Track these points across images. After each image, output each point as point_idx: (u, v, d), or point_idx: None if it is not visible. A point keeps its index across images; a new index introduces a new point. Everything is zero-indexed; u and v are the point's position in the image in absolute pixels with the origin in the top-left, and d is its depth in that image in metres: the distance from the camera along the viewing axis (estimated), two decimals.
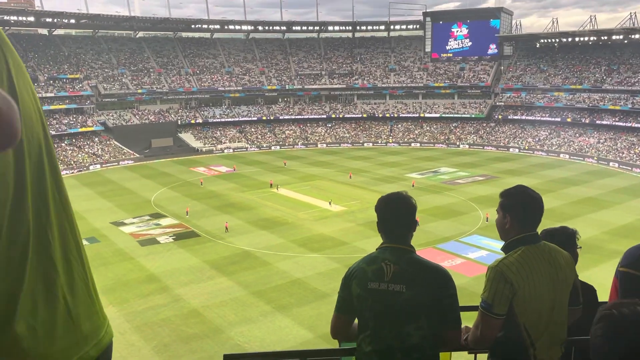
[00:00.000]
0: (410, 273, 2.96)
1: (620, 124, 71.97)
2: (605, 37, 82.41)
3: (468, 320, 3.28)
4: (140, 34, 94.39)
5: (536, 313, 2.93)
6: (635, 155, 65.13)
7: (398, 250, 3.04)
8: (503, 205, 3.25)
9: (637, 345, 1.60)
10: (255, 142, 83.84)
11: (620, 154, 66.75)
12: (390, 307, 2.97)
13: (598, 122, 74.19)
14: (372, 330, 3.04)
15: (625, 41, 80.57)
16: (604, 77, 77.66)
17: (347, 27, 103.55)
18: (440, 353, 3.12)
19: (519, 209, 3.17)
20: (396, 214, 3.07)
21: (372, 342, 3.04)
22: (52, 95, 74.22)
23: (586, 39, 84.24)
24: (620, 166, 63.26)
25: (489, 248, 34.84)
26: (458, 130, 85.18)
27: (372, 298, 3.01)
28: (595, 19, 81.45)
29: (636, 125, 70.02)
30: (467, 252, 33.36)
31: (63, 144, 71.58)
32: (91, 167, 67.00)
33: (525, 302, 2.91)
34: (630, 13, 77.24)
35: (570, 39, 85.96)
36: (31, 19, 78.40)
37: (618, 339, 1.65)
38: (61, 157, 68.24)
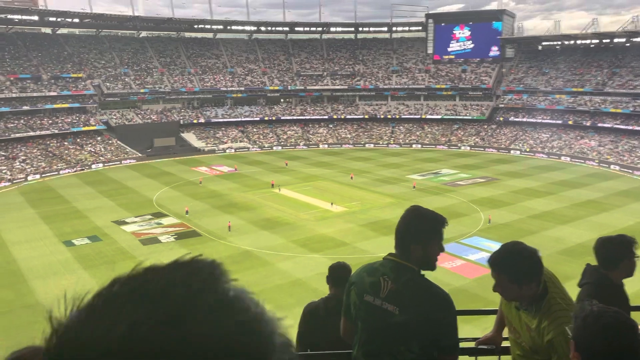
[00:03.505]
0: (406, 296, 2.84)
1: (622, 126, 71.97)
2: (608, 40, 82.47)
3: (468, 321, 3.37)
4: (144, 33, 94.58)
5: None
6: (636, 158, 65.12)
7: (400, 267, 2.93)
8: None
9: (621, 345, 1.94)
10: (257, 142, 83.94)
11: (622, 157, 66.76)
12: (381, 325, 2.89)
13: (599, 124, 74.18)
14: (364, 342, 3.01)
15: (627, 44, 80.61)
16: (606, 80, 77.67)
17: (349, 28, 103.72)
18: None
19: None
20: (406, 226, 2.95)
21: (365, 354, 3.02)
22: (55, 94, 74.42)
23: (588, 41, 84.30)
24: (622, 169, 63.28)
25: (490, 250, 34.85)
26: (459, 132, 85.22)
27: (365, 310, 2.97)
28: (598, 21, 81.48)
29: (637, 128, 70.01)
30: (467, 254, 33.41)
31: (65, 143, 71.75)
32: (93, 166, 67.16)
33: None
34: (633, 16, 77.43)
35: (572, 42, 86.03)
36: (35, 18, 78.63)
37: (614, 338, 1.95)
38: (63, 156, 68.43)
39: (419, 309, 2.82)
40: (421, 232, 2.92)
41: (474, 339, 4.03)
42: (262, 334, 0.65)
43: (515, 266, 3.03)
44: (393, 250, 3.05)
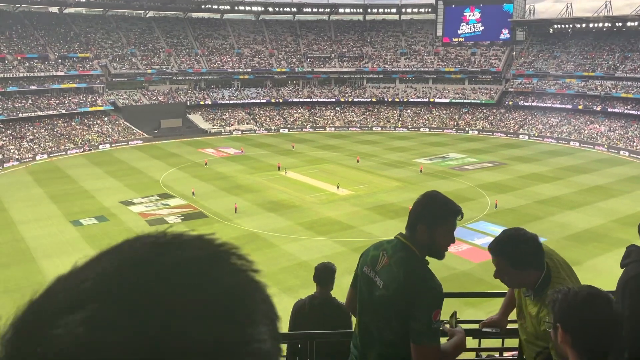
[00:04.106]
0: (394, 273, 2.88)
1: (632, 112, 71.16)
2: (620, 24, 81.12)
3: (472, 304, 3.35)
4: (150, 13, 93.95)
5: None
6: None
7: (401, 245, 2.96)
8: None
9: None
10: (264, 124, 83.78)
11: (631, 143, 66.12)
12: (371, 297, 2.99)
13: (610, 109, 73.38)
14: (359, 313, 3.12)
15: None
16: (617, 65, 76.61)
17: (358, 10, 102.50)
18: None
19: None
20: (418, 207, 2.97)
21: (358, 325, 3.14)
22: (63, 74, 74.38)
23: (600, 25, 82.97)
24: (631, 155, 62.71)
25: (496, 235, 34.80)
26: (468, 116, 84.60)
27: (363, 281, 3.08)
28: (611, 4, 79.79)
29: None
30: (473, 238, 33.41)
31: (73, 123, 71.95)
32: (101, 147, 67.37)
33: None
34: None
35: (584, 25, 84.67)
36: None
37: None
38: (71, 136, 68.67)
39: (400, 288, 2.84)
40: (430, 215, 2.91)
41: (478, 321, 4.03)
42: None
43: (514, 251, 3.03)
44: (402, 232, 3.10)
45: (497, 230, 37.96)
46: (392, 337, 2.91)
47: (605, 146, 66.86)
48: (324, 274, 5.50)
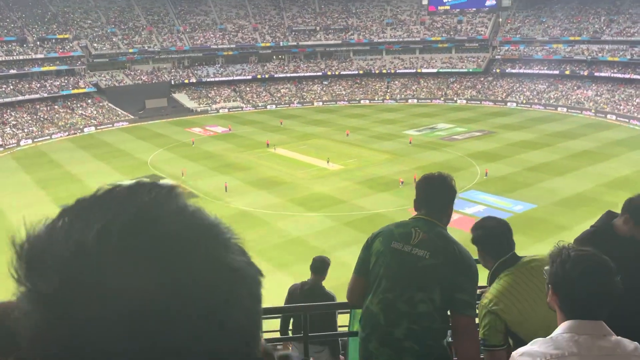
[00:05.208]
0: (438, 244, 3.03)
1: (619, 75, 71.26)
2: None
3: None
4: None
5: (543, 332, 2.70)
6: (633, 107, 64.79)
7: (430, 223, 3.13)
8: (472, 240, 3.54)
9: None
10: (251, 101, 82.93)
11: (618, 106, 66.39)
12: (407, 270, 3.02)
13: (596, 74, 73.39)
14: (382, 290, 3.08)
15: None
16: (603, 28, 76.34)
17: None
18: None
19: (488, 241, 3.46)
20: (433, 192, 3.20)
21: (380, 302, 3.07)
22: (42, 56, 72.76)
23: None
24: (618, 118, 63.03)
25: (486, 203, 35.09)
26: (455, 85, 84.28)
27: (391, 256, 3.07)
28: None
29: (635, 76, 69.34)
30: (464, 208, 33.56)
31: (56, 107, 70.73)
32: (85, 129, 66.40)
33: (526, 325, 2.99)
34: None
35: None
36: None
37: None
38: (54, 120, 67.59)
39: (449, 256, 3.00)
40: (454, 195, 3.23)
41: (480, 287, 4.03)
42: (222, 237, 0.70)
43: (475, 234, 3.44)
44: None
45: (488, 198, 37.98)
46: (428, 309, 2.98)
47: (593, 111, 67.09)
48: (319, 264, 6.29)
